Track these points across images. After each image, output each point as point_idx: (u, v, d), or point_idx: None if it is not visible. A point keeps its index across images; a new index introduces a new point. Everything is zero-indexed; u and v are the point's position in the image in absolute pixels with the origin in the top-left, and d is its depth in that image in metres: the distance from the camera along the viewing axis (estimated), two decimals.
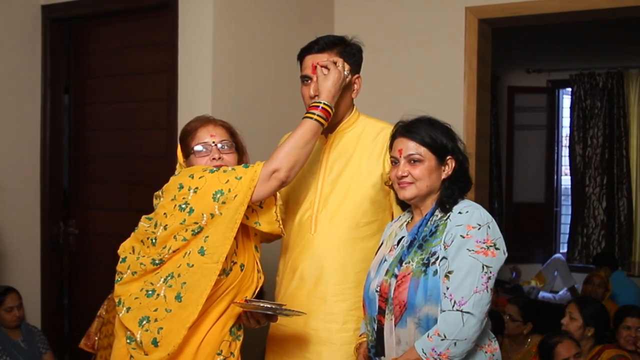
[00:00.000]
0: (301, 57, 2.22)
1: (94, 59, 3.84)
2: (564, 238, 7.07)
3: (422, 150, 1.91)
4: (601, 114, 6.51)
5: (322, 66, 2.10)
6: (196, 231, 1.92)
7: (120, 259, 2.07)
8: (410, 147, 1.91)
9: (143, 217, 2.09)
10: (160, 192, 2.08)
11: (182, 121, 3.25)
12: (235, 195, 1.90)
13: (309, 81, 2.16)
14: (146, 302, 1.95)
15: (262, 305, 1.93)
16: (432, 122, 1.96)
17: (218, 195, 1.90)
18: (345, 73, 2.11)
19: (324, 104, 2.05)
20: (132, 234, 2.10)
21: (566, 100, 7.09)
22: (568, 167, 6.84)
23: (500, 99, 6.93)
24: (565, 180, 7.13)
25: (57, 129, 3.94)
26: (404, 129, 1.95)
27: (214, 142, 2.07)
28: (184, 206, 1.92)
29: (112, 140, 3.77)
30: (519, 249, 6.80)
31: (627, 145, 6.45)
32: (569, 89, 6.81)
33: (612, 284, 4.92)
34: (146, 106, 3.56)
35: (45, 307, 3.92)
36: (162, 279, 1.95)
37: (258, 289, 2.10)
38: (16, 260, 3.73)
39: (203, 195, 1.91)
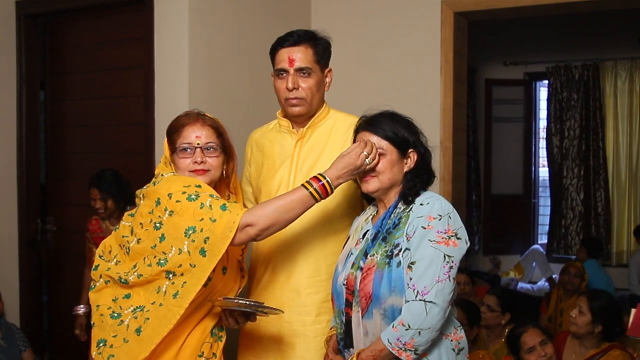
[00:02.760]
0: (275, 50, 2.21)
1: (70, 55, 3.82)
2: (542, 229, 7.16)
3: (384, 143, 1.94)
4: (577, 106, 6.59)
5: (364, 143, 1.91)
6: (162, 262, 1.86)
7: (94, 266, 2.04)
8: (373, 140, 1.94)
9: (126, 214, 2.06)
10: (140, 194, 2.01)
11: (159, 117, 3.26)
12: (206, 238, 1.82)
13: (286, 74, 2.16)
14: (109, 323, 1.93)
15: (240, 302, 1.91)
16: (394, 117, 1.98)
17: (190, 232, 1.83)
18: (367, 162, 1.90)
19: (327, 181, 1.91)
20: (114, 231, 2.07)
21: (543, 93, 7.17)
22: (545, 159, 6.91)
23: (478, 92, 6.99)
24: (543, 172, 7.22)
25: (34, 126, 3.92)
26: (367, 123, 1.98)
27: (198, 144, 1.98)
28: (158, 225, 1.88)
29: (90, 137, 3.76)
30: (497, 241, 6.88)
31: (603, 137, 6.53)
32: (546, 81, 6.88)
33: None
34: (123, 102, 3.56)
35: (24, 304, 3.91)
36: (132, 309, 1.92)
37: (240, 290, 2.10)
38: None
39: (176, 224, 1.85)
